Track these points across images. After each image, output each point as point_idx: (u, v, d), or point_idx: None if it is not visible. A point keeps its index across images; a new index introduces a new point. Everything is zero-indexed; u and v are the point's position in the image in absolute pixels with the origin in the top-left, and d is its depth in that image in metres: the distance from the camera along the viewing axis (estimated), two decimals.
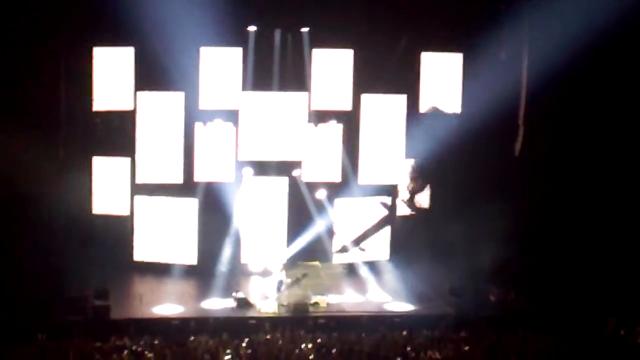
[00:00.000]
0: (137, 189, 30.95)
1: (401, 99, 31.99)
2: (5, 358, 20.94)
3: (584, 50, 28.45)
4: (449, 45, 32.29)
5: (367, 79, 31.72)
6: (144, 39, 29.66)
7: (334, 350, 22.10)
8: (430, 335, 24.15)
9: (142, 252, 31.05)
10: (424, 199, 33.21)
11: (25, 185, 28.03)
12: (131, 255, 31.04)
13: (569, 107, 30.80)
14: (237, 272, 31.07)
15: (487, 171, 31.83)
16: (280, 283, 29.03)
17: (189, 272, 30.39)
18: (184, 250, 30.85)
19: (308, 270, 31.58)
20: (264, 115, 31.25)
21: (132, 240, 31.07)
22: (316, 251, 32.09)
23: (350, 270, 32.04)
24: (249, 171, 31.31)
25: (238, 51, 30.78)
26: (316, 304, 27.63)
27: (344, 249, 31.80)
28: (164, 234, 30.99)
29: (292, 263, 31.30)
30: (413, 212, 32.76)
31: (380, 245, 32.33)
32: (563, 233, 30.24)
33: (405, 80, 32.20)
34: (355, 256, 31.93)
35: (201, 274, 30.16)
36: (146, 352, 21.69)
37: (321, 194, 31.84)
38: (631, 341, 23.92)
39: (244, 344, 22.61)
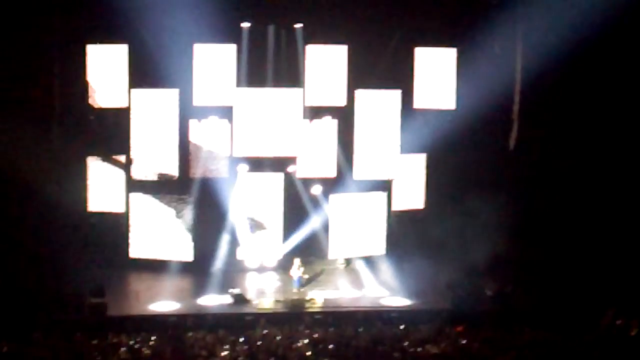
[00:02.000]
0: (133, 186, 30.91)
1: (395, 94, 31.93)
2: (2, 356, 20.90)
3: (578, 44, 28.54)
4: (442, 40, 32.29)
5: (361, 75, 31.67)
6: (138, 36, 29.65)
7: (330, 346, 22.10)
8: (427, 330, 24.17)
9: (138, 249, 31.03)
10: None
11: (20, 183, 28.17)
12: (127, 252, 31.00)
13: (564, 100, 30.90)
14: (234, 269, 31.05)
15: (481, 166, 31.89)
16: (300, 279, 29.05)
17: (185, 268, 30.36)
18: (179, 247, 30.83)
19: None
20: (258, 112, 31.20)
21: (128, 238, 31.03)
22: (312, 247, 31.99)
23: (347, 265, 32.05)
24: (244, 167, 31.29)
25: (232, 48, 30.73)
26: (312, 299, 27.66)
27: None
28: (160, 231, 30.98)
29: (288, 259, 31.20)
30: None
31: (376, 241, 32.32)
32: (559, 226, 30.32)
33: (399, 76, 32.18)
34: (351, 252, 31.90)
35: (197, 271, 30.14)
36: (143, 349, 21.69)
37: (316, 190, 31.81)
38: (627, 333, 23.93)
39: (241, 340, 22.60)
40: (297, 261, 29.50)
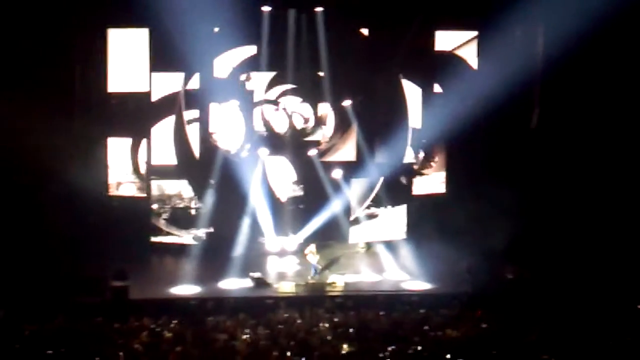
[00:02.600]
0: (153, 171, 31.06)
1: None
2: (24, 339, 21.02)
3: (599, 25, 28.26)
4: (463, 24, 32.20)
5: (380, 58, 31.67)
6: (159, 20, 29.53)
7: (351, 330, 22.10)
8: (448, 314, 24.15)
9: (159, 233, 31.18)
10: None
11: (40, 166, 28.24)
12: (148, 236, 31.17)
13: (585, 82, 30.65)
14: (254, 252, 31.12)
15: (503, 150, 31.83)
16: (316, 268, 28.90)
17: (206, 252, 30.39)
18: (201, 230, 30.95)
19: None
20: (279, 96, 31.31)
21: (149, 222, 31.18)
22: (332, 231, 32.02)
23: (367, 249, 32.06)
24: (264, 151, 31.32)
25: (252, 31, 30.66)
26: (333, 283, 27.70)
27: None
28: (181, 214, 31.21)
29: (307, 243, 31.22)
30: None
31: (396, 225, 32.30)
32: (580, 210, 30.20)
33: (419, 60, 32.13)
34: (371, 236, 31.89)
35: (218, 255, 30.12)
36: (165, 333, 21.74)
37: (337, 174, 31.81)
38: None
39: (261, 324, 22.64)
40: (312, 247, 29.48)
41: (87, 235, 29.24)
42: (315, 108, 31.88)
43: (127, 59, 30.57)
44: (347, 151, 32.25)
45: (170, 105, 30.92)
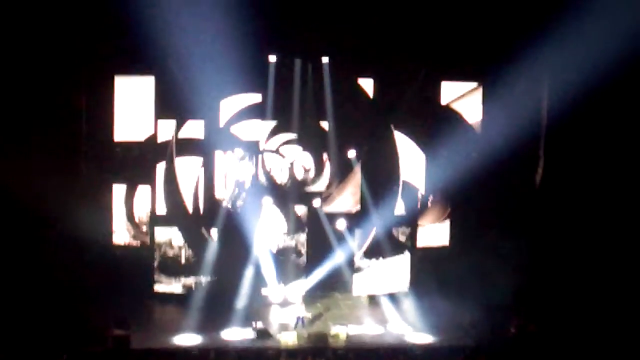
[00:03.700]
0: (157, 220, 31.02)
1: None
2: None
3: (605, 80, 28.39)
4: (469, 75, 32.34)
5: (387, 108, 31.78)
6: (165, 68, 29.71)
7: None
8: None
9: (162, 282, 31.10)
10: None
11: (46, 213, 28.25)
12: (151, 284, 31.05)
13: (590, 138, 30.70)
14: (257, 303, 30.97)
15: (506, 203, 31.82)
16: (300, 319, 28.77)
17: (209, 302, 30.26)
18: (203, 280, 30.89)
19: (329, 303, 31.48)
20: (284, 145, 31.44)
21: (152, 270, 31.10)
22: (336, 282, 31.95)
23: (370, 301, 31.93)
24: (268, 200, 31.32)
25: (258, 80, 30.80)
26: (336, 335, 27.55)
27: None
28: (184, 263, 31.12)
29: (312, 295, 31.19)
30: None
31: (400, 277, 32.23)
32: (584, 265, 30.12)
33: (425, 110, 32.23)
34: (375, 287, 31.81)
35: (221, 304, 30.01)
36: None
37: (341, 224, 31.78)
38: None
39: None
40: (299, 300, 29.57)
41: (90, 283, 29.11)
42: (316, 158, 31.91)
43: (133, 106, 30.59)
44: (350, 201, 32.18)
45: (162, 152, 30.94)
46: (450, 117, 32.48)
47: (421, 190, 32.54)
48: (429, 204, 32.75)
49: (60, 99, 29.15)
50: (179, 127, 30.75)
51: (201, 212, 31.20)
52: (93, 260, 29.85)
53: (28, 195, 27.95)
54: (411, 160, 32.39)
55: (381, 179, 32.02)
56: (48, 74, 28.73)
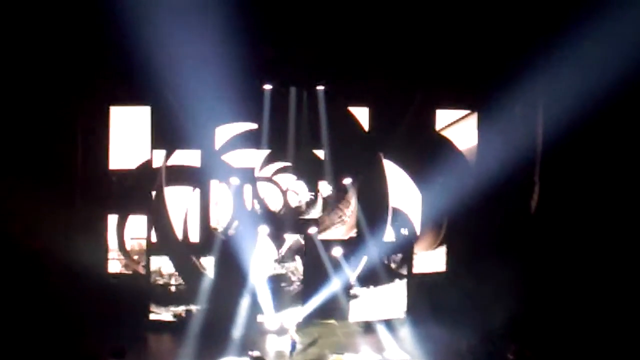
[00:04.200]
0: (153, 249, 30.99)
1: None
2: None
3: (600, 105, 28.41)
4: (463, 102, 32.46)
5: (382, 137, 31.87)
6: (161, 98, 29.81)
7: None
8: None
9: (158, 310, 31.01)
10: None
11: (41, 243, 28.19)
12: (147, 313, 30.96)
13: (585, 163, 30.68)
14: (253, 331, 30.88)
15: (503, 229, 31.81)
16: (294, 344, 28.78)
17: (205, 330, 30.16)
18: (194, 309, 30.85)
19: (323, 330, 31.38)
20: (279, 173, 31.49)
21: (148, 299, 31.03)
22: (332, 309, 31.89)
23: (367, 328, 31.85)
24: (264, 229, 31.32)
25: (253, 109, 30.88)
26: None
27: None
28: (180, 291, 31.07)
29: (308, 322, 31.16)
30: None
31: (396, 303, 32.17)
32: (580, 290, 30.04)
33: (418, 138, 32.33)
34: (371, 314, 31.75)
35: (217, 333, 29.91)
36: None
37: (337, 252, 31.77)
38: None
39: None
40: (292, 326, 29.61)
41: (85, 312, 29.03)
42: (311, 186, 31.95)
43: (128, 135, 30.68)
44: (345, 229, 32.20)
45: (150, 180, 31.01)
46: (442, 144, 32.56)
47: (414, 218, 32.59)
48: (422, 232, 32.74)
49: (55, 128, 29.16)
50: (168, 155, 30.81)
51: (190, 240, 31.23)
52: (88, 289, 29.77)
53: (21, 225, 27.94)
54: (405, 188, 32.43)
55: (373, 207, 32.12)
56: (42, 103, 28.75)
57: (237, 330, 30.35)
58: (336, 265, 31.82)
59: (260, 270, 31.41)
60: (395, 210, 32.39)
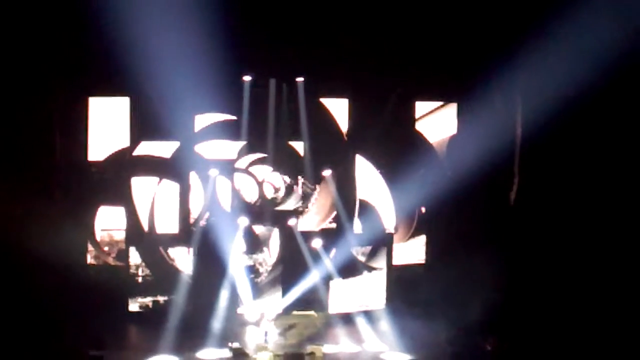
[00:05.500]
0: (132, 239, 30.94)
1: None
2: None
3: (579, 98, 28.49)
4: (443, 94, 32.49)
5: (362, 129, 31.86)
6: (140, 89, 29.68)
7: None
8: None
9: (137, 301, 30.99)
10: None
11: (19, 235, 28.07)
12: (126, 304, 30.94)
13: (565, 155, 30.78)
14: (233, 322, 30.87)
15: (481, 221, 31.89)
16: (267, 334, 28.90)
17: (184, 321, 30.13)
18: (178, 298, 30.79)
19: (302, 321, 31.44)
20: (258, 165, 31.46)
21: (127, 290, 30.99)
22: (312, 301, 31.92)
23: (347, 319, 31.89)
24: (244, 220, 31.31)
25: (232, 101, 30.84)
26: (312, 353, 27.48)
27: None
28: (159, 282, 31.08)
29: (287, 313, 31.19)
30: None
31: (376, 294, 32.23)
32: (560, 282, 30.13)
33: (399, 129, 32.32)
34: (351, 305, 31.79)
35: (197, 324, 29.90)
36: None
37: (317, 243, 31.78)
38: None
39: None
40: (266, 315, 29.73)
41: (64, 304, 28.96)
42: (289, 177, 31.93)
43: (107, 127, 30.56)
44: (324, 220, 32.23)
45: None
46: (418, 137, 32.69)
47: (383, 211, 32.69)
48: (394, 225, 32.80)
49: (32, 120, 29.04)
50: (133, 146, 30.75)
51: (157, 231, 31.16)
52: (67, 281, 29.68)
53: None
54: (375, 180, 32.54)
55: (343, 199, 32.10)
56: (17, 94, 28.63)
57: (217, 322, 30.32)
58: (315, 256, 31.83)
59: (239, 261, 31.38)
60: (363, 203, 32.45)
